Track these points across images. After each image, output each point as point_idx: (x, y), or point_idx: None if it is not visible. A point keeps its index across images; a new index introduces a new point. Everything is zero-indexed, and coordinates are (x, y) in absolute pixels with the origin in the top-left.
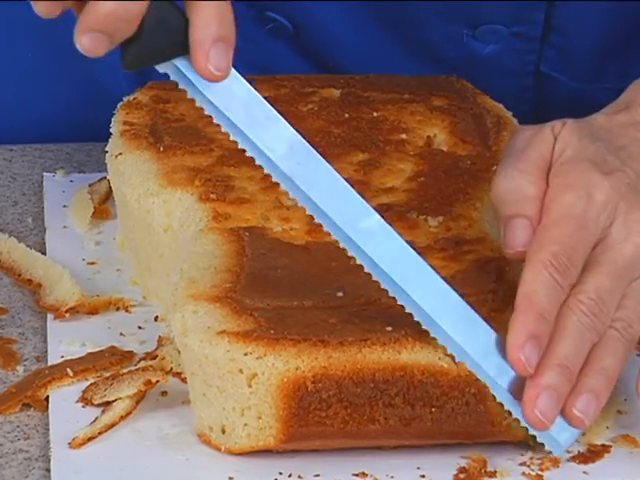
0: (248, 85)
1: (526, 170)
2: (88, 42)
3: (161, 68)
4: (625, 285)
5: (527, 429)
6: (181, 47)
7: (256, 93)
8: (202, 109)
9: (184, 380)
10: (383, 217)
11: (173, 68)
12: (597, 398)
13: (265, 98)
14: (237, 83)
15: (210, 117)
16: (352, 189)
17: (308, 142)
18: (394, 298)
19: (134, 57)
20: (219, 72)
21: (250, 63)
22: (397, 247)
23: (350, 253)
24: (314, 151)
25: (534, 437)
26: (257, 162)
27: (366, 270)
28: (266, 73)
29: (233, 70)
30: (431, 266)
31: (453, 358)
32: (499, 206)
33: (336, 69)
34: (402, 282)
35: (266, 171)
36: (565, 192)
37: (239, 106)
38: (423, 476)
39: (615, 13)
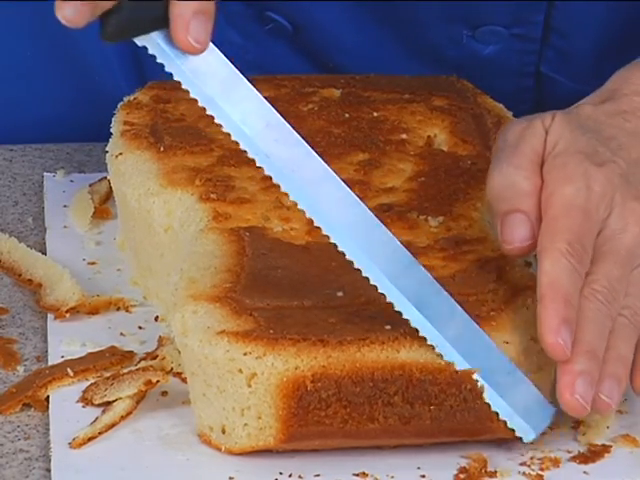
0: (226, 60)
1: (521, 165)
2: (70, 12)
3: (140, 41)
4: (628, 273)
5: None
6: (161, 20)
7: (234, 69)
8: (204, 109)
9: (184, 380)
10: (381, 217)
11: (152, 41)
12: (619, 383)
13: (265, 98)
14: (215, 58)
15: (211, 117)
16: (329, 168)
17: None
18: (359, 270)
19: (114, 28)
20: (198, 44)
21: (250, 62)
22: (371, 227)
23: (324, 232)
24: (291, 129)
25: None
26: (233, 138)
27: (340, 248)
28: (266, 73)
29: (212, 45)
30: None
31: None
32: (495, 202)
33: (336, 69)
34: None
35: (242, 147)
36: (564, 184)
37: (217, 81)
38: (423, 476)
39: (614, 14)
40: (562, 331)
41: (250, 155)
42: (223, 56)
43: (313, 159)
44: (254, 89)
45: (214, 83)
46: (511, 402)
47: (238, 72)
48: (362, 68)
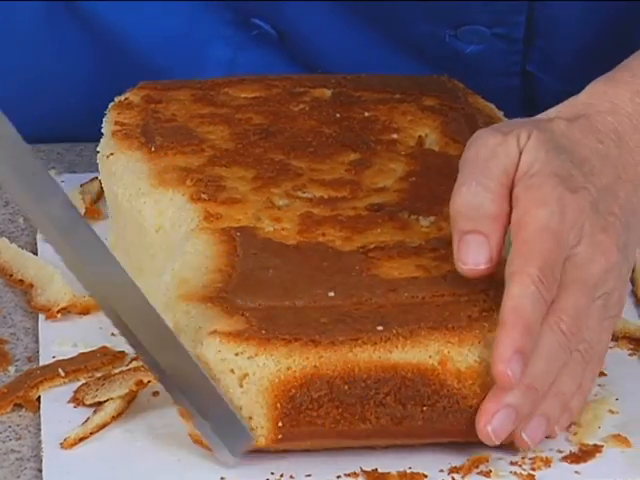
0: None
1: (489, 187)
2: None
3: None
4: (590, 305)
5: None
6: None
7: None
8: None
9: None
10: (372, 217)
11: None
12: (547, 422)
13: (257, 98)
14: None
15: (202, 117)
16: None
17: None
18: None
19: None
20: None
21: (239, 73)
22: None
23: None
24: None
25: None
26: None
27: None
28: None
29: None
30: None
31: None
32: (457, 219)
33: (323, 73)
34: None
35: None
36: (538, 206)
37: None
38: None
39: (595, 16)
40: (513, 362)
41: None
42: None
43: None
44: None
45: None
46: (213, 422)
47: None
48: (348, 70)
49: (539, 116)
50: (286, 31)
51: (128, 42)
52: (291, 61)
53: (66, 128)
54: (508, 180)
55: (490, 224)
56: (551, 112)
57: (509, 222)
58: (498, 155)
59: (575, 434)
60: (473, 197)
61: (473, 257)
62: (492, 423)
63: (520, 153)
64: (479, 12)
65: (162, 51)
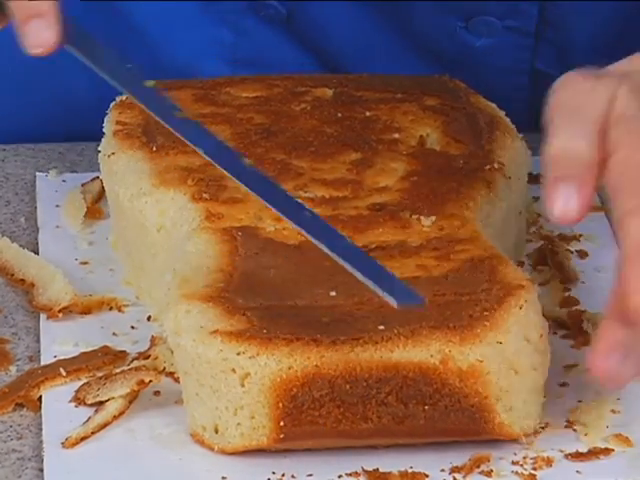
0: None
1: (585, 133)
2: None
3: None
4: None
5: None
6: None
7: None
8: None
9: (177, 380)
10: (374, 216)
11: None
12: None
13: (258, 97)
14: None
15: (203, 117)
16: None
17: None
18: None
19: None
20: (41, 48)
21: (241, 61)
22: None
23: None
24: None
25: (525, 435)
26: None
27: None
28: (258, 68)
29: None
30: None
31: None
32: (551, 165)
33: (329, 58)
34: None
35: None
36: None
37: None
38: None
39: (610, 8)
40: None
41: None
42: None
43: None
44: None
45: None
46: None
47: None
48: (355, 56)
49: (609, 67)
50: (295, 10)
51: (129, 39)
52: (296, 44)
53: (67, 128)
54: (603, 125)
55: (584, 171)
56: (620, 64)
57: (601, 169)
58: (593, 99)
59: (586, 434)
60: (569, 143)
61: (564, 205)
62: (607, 363)
63: (614, 98)
64: (492, 2)
65: (161, 44)
